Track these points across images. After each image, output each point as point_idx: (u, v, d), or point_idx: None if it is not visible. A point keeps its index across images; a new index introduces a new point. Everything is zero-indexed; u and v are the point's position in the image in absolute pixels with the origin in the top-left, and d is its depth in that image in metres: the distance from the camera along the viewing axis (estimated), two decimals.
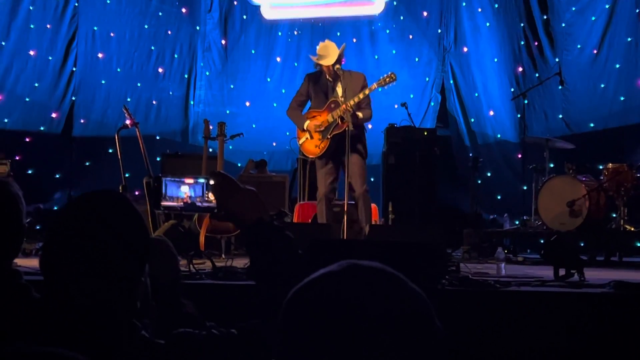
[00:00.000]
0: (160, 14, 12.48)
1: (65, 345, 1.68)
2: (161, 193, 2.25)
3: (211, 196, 2.14)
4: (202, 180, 2.27)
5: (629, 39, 10.49)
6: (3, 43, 11.18)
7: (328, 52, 7.80)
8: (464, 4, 12.04)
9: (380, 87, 7.73)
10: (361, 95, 7.54)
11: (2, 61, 11.19)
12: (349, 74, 7.88)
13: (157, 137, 12.15)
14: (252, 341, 1.86)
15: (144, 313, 1.92)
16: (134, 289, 1.86)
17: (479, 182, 10.82)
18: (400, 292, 1.20)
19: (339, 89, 7.77)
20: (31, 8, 11.43)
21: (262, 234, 2.00)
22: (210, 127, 8.51)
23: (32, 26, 11.45)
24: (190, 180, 2.28)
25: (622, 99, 10.49)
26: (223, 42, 12.86)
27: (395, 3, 12.35)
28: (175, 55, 12.64)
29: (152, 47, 12.42)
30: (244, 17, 12.86)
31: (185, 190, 2.26)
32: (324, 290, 1.20)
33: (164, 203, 2.27)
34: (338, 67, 7.73)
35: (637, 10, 10.46)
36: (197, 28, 12.84)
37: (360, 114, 7.67)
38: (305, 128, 7.90)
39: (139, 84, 12.27)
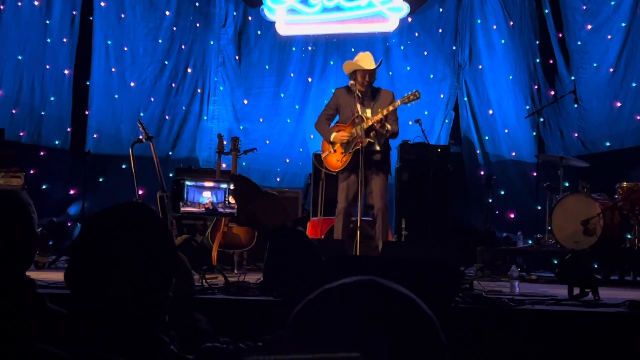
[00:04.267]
0: (174, 28, 12.51)
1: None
2: (182, 197, 2.23)
3: (233, 200, 2.11)
4: (224, 186, 2.24)
5: None
6: (20, 57, 11.23)
7: (367, 59, 7.91)
8: (479, 20, 12.03)
9: (404, 104, 7.80)
10: (385, 112, 7.60)
11: (18, 75, 11.24)
12: (378, 91, 7.98)
13: (170, 153, 12.18)
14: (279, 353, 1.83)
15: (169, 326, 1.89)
16: (162, 303, 1.83)
17: (493, 199, 10.77)
18: (401, 304, 1.19)
19: (367, 105, 7.84)
20: (48, 22, 11.49)
21: (286, 240, 1.96)
22: (224, 142, 8.53)
23: (48, 40, 11.50)
24: (211, 184, 2.26)
25: (638, 118, 10.44)
26: (237, 57, 12.87)
27: (410, 20, 12.35)
28: (189, 70, 12.66)
29: (166, 62, 12.44)
30: (259, 32, 12.88)
31: (207, 195, 2.25)
32: (325, 307, 1.19)
33: (185, 209, 2.25)
34: (372, 79, 7.87)
35: None
36: (211, 43, 12.86)
37: (388, 126, 7.72)
38: (331, 140, 7.95)
39: (152, 99, 12.28)
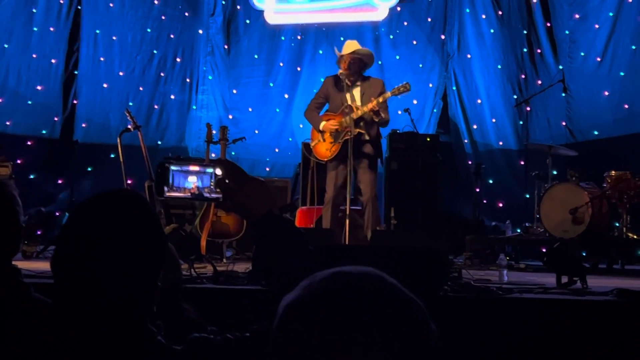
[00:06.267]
0: (163, 17, 12.47)
1: (79, 350, 1.66)
2: (167, 181, 2.20)
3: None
4: (210, 170, 2.22)
5: (634, 47, 10.47)
6: (6, 45, 11.16)
7: (350, 46, 7.89)
8: (467, 10, 12.03)
9: (394, 96, 7.76)
10: (375, 102, 7.56)
11: (4, 63, 11.17)
12: (367, 80, 7.95)
13: (159, 142, 12.15)
14: (266, 343, 1.82)
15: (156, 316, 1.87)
16: (151, 292, 1.80)
17: (481, 188, 10.79)
18: (392, 296, 1.19)
19: (357, 94, 7.82)
20: (34, 10, 11.41)
21: (272, 227, 1.94)
22: (213, 132, 8.51)
23: (35, 29, 11.44)
24: (196, 168, 2.23)
25: (626, 107, 10.45)
26: (226, 46, 12.83)
27: (399, 9, 12.34)
28: (178, 59, 12.62)
29: (155, 51, 12.40)
30: (247, 21, 12.84)
31: (192, 180, 2.22)
32: (316, 298, 1.18)
33: (170, 193, 2.22)
34: (355, 67, 7.82)
35: None
36: (200, 32, 12.82)
37: (382, 114, 7.69)
38: (321, 129, 7.94)
39: (141, 88, 12.24)
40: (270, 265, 1.96)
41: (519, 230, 9.76)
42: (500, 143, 11.64)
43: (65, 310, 1.72)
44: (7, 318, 2.12)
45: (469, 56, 12.01)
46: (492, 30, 11.84)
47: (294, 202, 9.74)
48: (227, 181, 2.01)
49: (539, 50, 11.53)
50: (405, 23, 12.35)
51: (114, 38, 12.11)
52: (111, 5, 12.08)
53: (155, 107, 12.33)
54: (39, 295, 2.27)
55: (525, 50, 11.64)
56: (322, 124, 7.95)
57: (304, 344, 1.15)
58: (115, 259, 1.72)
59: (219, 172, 2.05)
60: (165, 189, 2.23)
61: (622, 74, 10.57)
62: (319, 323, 1.15)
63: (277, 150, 12.37)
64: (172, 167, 2.24)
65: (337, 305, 1.16)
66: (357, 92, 7.88)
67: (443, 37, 12.20)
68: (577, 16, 11.15)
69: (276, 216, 1.97)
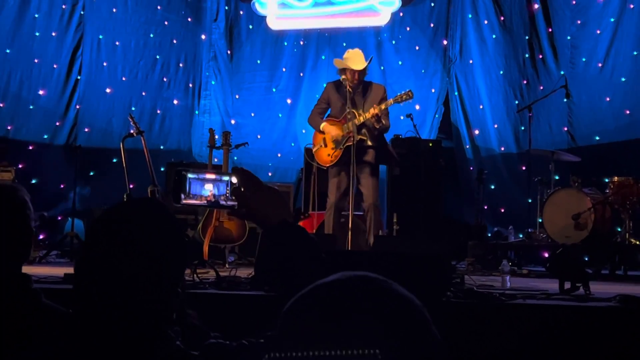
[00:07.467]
0: (166, 22, 12.49)
1: (98, 356, 1.67)
2: (184, 189, 2.22)
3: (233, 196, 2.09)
4: (226, 178, 2.23)
5: (635, 53, 10.48)
6: (8, 50, 11.17)
7: (357, 58, 7.85)
8: (470, 15, 12.05)
9: (397, 103, 7.73)
10: (377, 108, 7.54)
11: (6, 68, 11.17)
12: (369, 86, 7.93)
13: (162, 147, 12.15)
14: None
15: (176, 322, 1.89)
16: (171, 299, 1.82)
17: (484, 194, 10.78)
18: (393, 299, 1.19)
19: (358, 100, 7.80)
20: (36, 16, 11.43)
21: (286, 235, 1.94)
22: (216, 137, 8.51)
23: (37, 34, 11.45)
24: (213, 176, 2.25)
25: (627, 112, 10.46)
26: (228, 51, 12.85)
27: (401, 14, 12.35)
28: (181, 65, 12.64)
29: (158, 56, 12.42)
30: (250, 27, 12.87)
31: (209, 188, 2.24)
32: (318, 302, 1.18)
33: (187, 201, 2.23)
34: (362, 76, 7.81)
35: None
36: (203, 37, 12.84)
37: (383, 121, 7.67)
38: (321, 129, 7.92)
39: (143, 93, 12.26)
40: (280, 272, 1.96)
41: (521, 236, 9.76)
42: (502, 148, 11.65)
43: (85, 317, 1.73)
44: (19, 324, 2.12)
45: (471, 61, 12.03)
46: (494, 36, 11.86)
47: (303, 211, 9.72)
48: (242, 189, 2.02)
49: (540, 56, 11.54)
50: (408, 28, 12.37)
51: (117, 43, 12.13)
52: (114, 10, 12.10)
53: (158, 112, 12.35)
54: (49, 302, 2.27)
55: (527, 55, 11.66)
56: (322, 125, 7.94)
57: (303, 347, 1.15)
58: (136, 266, 1.73)
59: (234, 180, 2.06)
60: (182, 196, 2.24)
61: (623, 79, 10.58)
62: (317, 326, 1.15)
63: (279, 155, 12.37)
64: (190, 175, 2.25)
65: (335, 308, 1.16)
66: (359, 98, 7.86)
67: (445, 42, 12.22)
68: (578, 22, 11.17)
69: (290, 224, 1.98)
